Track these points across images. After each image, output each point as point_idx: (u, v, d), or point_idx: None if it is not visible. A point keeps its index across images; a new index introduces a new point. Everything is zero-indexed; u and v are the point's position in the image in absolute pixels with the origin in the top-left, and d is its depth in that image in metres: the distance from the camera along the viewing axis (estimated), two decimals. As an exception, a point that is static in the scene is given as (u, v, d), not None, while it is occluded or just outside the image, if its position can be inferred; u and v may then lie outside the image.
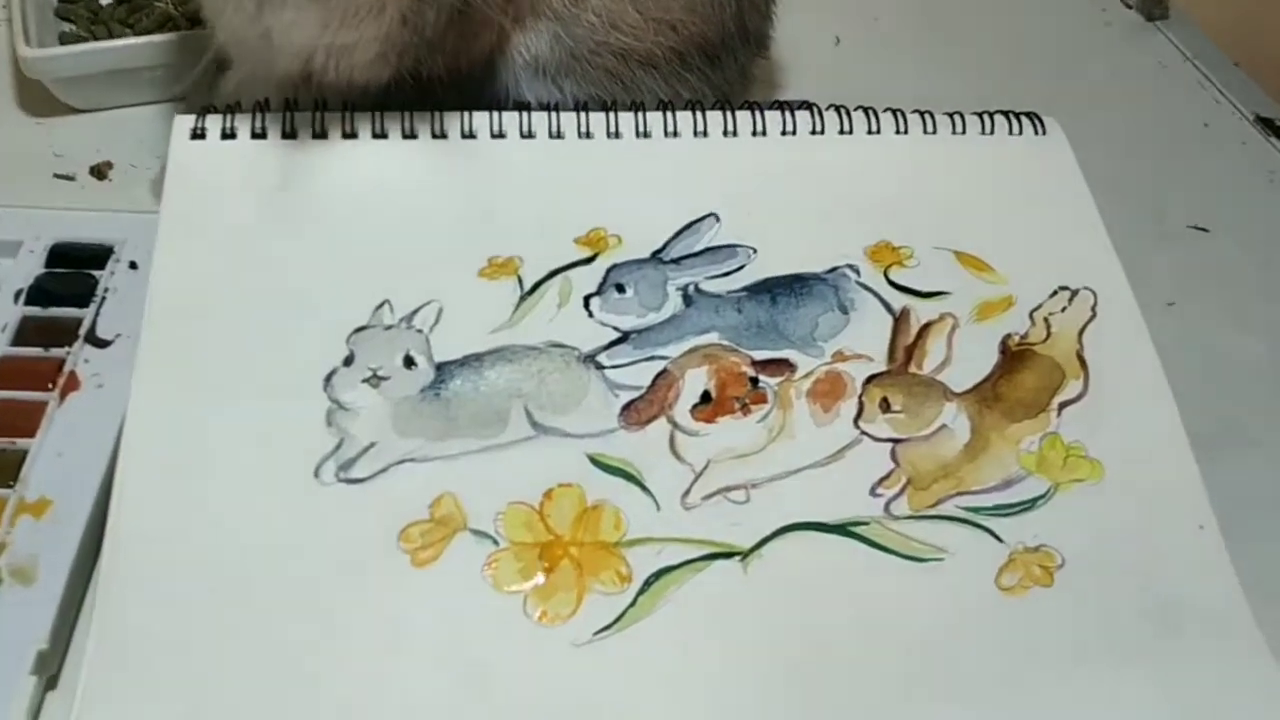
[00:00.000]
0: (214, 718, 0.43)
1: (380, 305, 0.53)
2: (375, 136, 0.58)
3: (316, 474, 0.48)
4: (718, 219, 0.58)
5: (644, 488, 0.50)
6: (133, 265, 0.58)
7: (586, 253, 0.56)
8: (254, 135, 0.57)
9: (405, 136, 0.58)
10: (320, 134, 0.57)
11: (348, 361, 0.52)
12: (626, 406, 0.52)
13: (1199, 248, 0.72)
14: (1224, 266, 0.71)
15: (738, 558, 0.48)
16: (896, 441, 0.52)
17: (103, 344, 0.54)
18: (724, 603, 0.47)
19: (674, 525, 0.49)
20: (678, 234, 0.57)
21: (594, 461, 0.50)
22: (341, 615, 0.45)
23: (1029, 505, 0.51)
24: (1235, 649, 0.48)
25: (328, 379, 0.51)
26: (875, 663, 0.46)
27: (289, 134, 0.57)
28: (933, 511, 0.50)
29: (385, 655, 0.45)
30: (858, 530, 0.49)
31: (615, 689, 0.45)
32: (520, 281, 0.55)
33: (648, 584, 0.47)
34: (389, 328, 0.53)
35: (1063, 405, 0.54)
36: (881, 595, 0.48)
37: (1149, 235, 0.72)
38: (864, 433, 0.52)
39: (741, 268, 0.57)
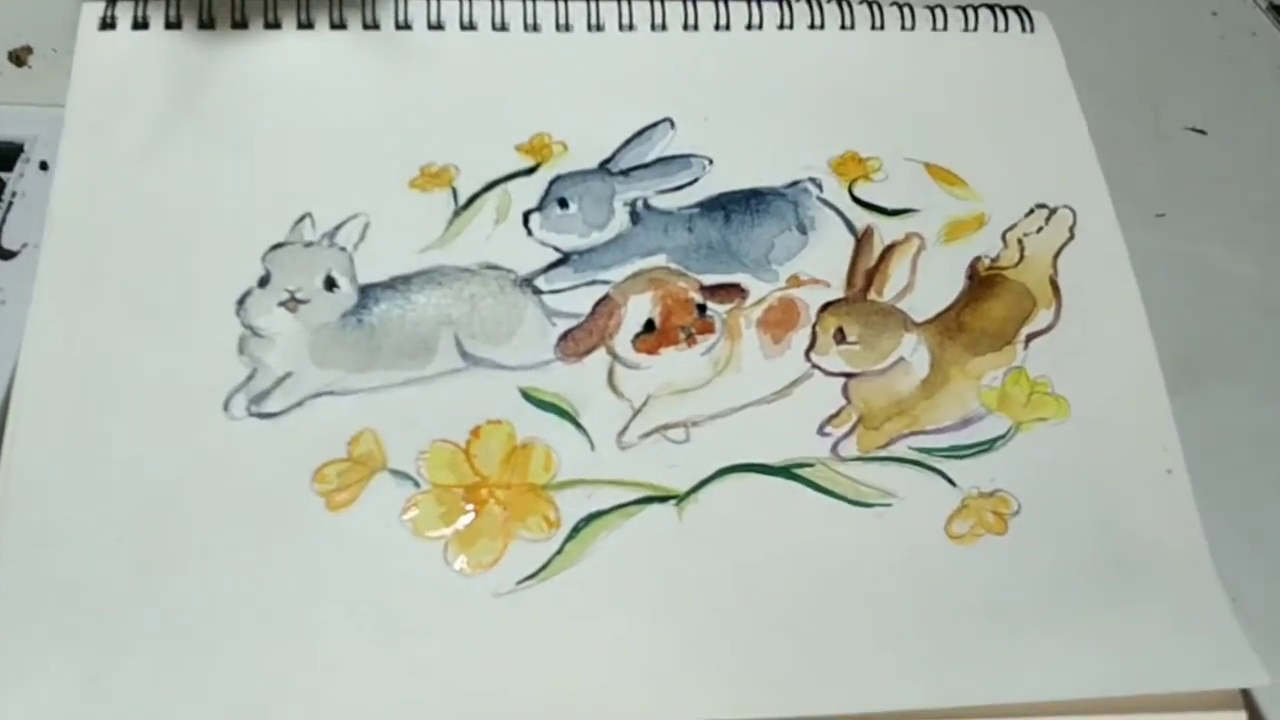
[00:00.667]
0: (115, 670, 0.41)
1: (301, 219, 0.49)
2: (300, 27, 0.53)
3: (226, 407, 0.45)
4: (672, 125, 0.54)
5: (578, 425, 0.47)
6: (43, 166, 0.54)
7: (529, 162, 0.52)
8: (168, 25, 0.52)
9: (333, 27, 0.53)
10: (240, 23, 0.53)
11: (263, 282, 0.48)
12: (564, 336, 0.48)
13: (1195, 152, 0.68)
14: (1221, 174, 0.66)
15: (673, 501, 0.46)
16: (849, 376, 0.49)
17: (8, 255, 0.51)
18: (656, 549, 0.45)
19: (607, 466, 0.46)
20: (628, 142, 0.53)
21: (526, 396, 0.47)
22: (249, 562, 0.43)
23: (987, 446, 0.48)
24: (1193, 601, 0.46)
25: (241, 301, 0.48)
26: (814, 614, 0.44)
27: (206, 23, 0.53)
28: (883, 453, 0.47)
29: (295, 605, 0.42)
30: (801, 473, 0.47)
31: (534, 642, 0.43)
32: (455, 194, 0.51)
33: (576, 530, 0.45)
34: (309, 244, 0.49)
35: (1031, 336, 0.51)
36: (823, 542, 0.46)
37: (1142, 137, 0.68)
38: (815, 366, 0.49)
39: (695, 181, 0.52)
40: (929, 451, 0.48)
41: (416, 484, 0.45)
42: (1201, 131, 0.68)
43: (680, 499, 0.46)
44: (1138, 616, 0.45)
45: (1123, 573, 0.46)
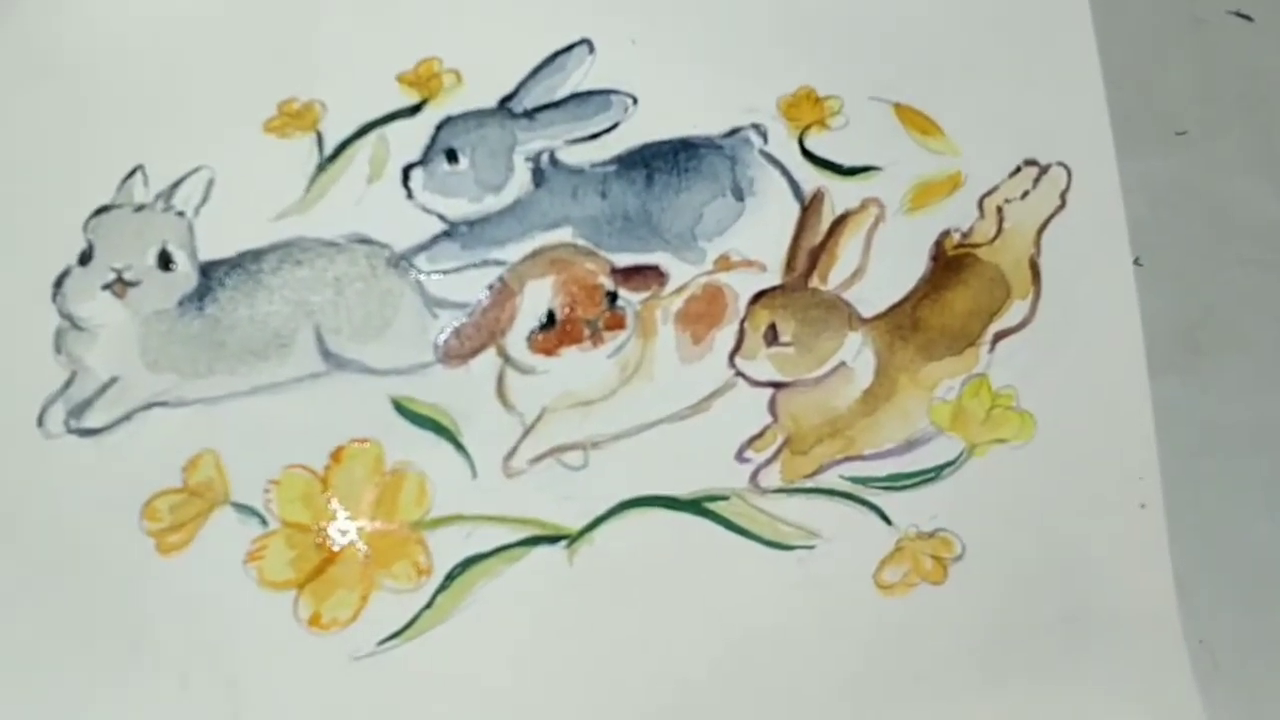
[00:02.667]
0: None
1: (130, 174, 0.41)
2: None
3: (40, 422, 0.39)
4: (591, 49, 0.44)
5: (459, 445, 0.40)
6: None
7: (412, 97, 0.43)
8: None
9: (172, -87, 0.43)
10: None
11: (84, 258, 0.40)
12: (447, 332, 0.41)
13: (1236, 43, 0.57)
14: (1264, 72, 0.56)
15: (563, 543, 0.40)
16: (778, 386, 0.42)
17: None
18: (542, 601, 0.39)
19: (491, 498, 0.40)
20: (537, 71, 0.44)
21: (399, 408, 0.40)
22: (65, 617, 0.37)
23: (932, 475, 0.42)
24: (1151, 667, 0.41)
25: (58, 283, 0.40)
26: (720, 679, 0.39)
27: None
28: (810, 483, 0.41)
29: (118, 670, 0.37)
30: (714, 507, 0.40)
31: (398, 713, 0.38)
32: (320, 140, 0.42)
33: (450, 578, 0.39)
34: (140, 208, 0.41)
35: (999, 336, 0.43)
36: (734, 593, 0.40)
37: (1173, 20, 0.57)
38: (740, 373, 0.42)
39: (614, 126, 0.43)
40: (864, 481, 0.41)
41: (264, 521, 0.39)
42: (1247, 17, 0.57)
43: (572, 539, 0.40)
44: (1084, 686, 0.40)
45: (1074, 631, 0.41)
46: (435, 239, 0.42)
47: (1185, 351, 0.48)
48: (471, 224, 0.42)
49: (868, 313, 0.43)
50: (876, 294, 0.43)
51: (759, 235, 0.43)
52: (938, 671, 0.40)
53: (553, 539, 0.40)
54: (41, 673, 0.37)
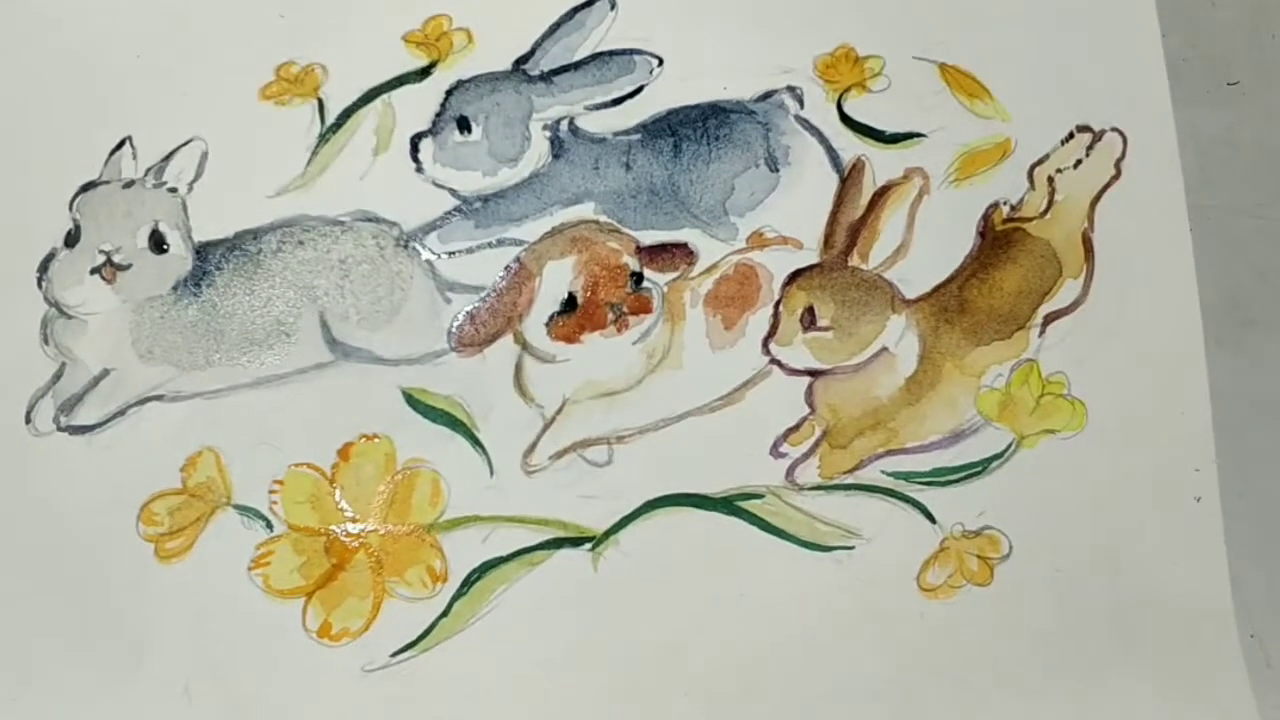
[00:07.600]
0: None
1: (118, 147, 0.38)
2: None
3: (29, 419, 0.36)
4: (613, 4, 0.41)
5: (475, 440, 0.38)
6: None
7: (420, 59, 0.40)
8: None
9: None
10: None
11: (71, 239, 0.37)
12: (461, 317, 0.38)
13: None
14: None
15: (587, 545, 0.37)
16: (816, 374, 0.39)
17: None
18: (565, 608, 0.37)
19: (509, 497, 0.37)
20: (554, 29, 0.40)
21: (411, 401, 0.38)
22: (58, 628, 0.35)
23: (979, 469, 0.39)
24: (1205, 668, 0.39)
25: (43, 267, 0.37)
26: (754, 689, 0.38)
27: None
28: (850, 479, 0.39)
29: (117, 681, 0.35)
30: (748, 506, 0.38)
31: (415, 728, 0.36)
32: (321, 107, 0.39)
33: (468, 583, 0.37)
34: (129, 184, 0.38)
35: (1050, 318, 0.40)
36: (768, 598, 0.38)
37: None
38: (774, 361, 0.39)
39: (639, 90, 0.40)
40: (907, 477, 0.39)
41: (269, 525, 0.36)
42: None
43: (597, 542, 0.37)
44: (1134, 684, 0.38)
45: (1124, 630, 0.39)
46: (447, 216, 0.39)
47: (1237, 324, 0.45)
48: (485, 199, 0.39)
49: (911, 293, 0.40)
50: (920, 273, 0.40)
51: (795, 209, 0.40)
52: (983, 677, 0.38)
53: (576, 541, 0.37)
54: (37, 686, 0.35)
